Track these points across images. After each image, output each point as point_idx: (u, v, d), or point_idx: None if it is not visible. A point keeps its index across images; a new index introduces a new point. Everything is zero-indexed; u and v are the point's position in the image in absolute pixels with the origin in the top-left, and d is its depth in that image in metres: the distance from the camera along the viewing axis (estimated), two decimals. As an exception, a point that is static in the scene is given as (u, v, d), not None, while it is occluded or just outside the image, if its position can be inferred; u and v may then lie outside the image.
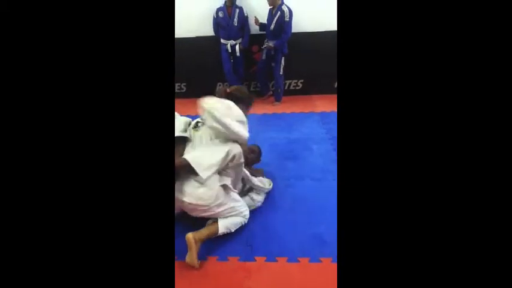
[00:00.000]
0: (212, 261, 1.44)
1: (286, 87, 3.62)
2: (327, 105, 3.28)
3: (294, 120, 3.02)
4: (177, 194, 1.43)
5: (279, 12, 3.03)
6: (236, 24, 3.21)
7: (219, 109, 1.42)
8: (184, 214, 1.69)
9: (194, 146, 1.52)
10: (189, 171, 1.41)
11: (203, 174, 1.38)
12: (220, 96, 1.59)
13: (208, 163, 1.40)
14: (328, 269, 1.36)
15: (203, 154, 1.44)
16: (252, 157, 2.01)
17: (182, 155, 1.49)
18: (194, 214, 1.51)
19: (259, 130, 2.78)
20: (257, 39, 3.35)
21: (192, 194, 1.42)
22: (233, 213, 1.54)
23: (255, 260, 1.44)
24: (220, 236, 1.52)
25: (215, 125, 1.43)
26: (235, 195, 1.57)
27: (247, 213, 1.61)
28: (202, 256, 1.46)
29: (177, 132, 1.55)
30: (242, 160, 1.54)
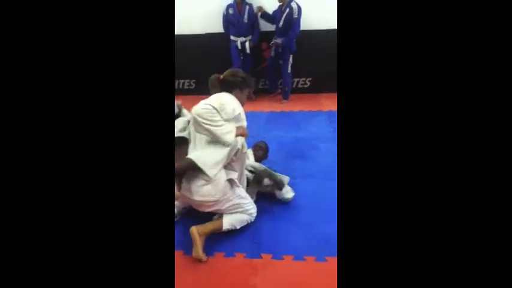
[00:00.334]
0: (219, 257, 1.47)
1: (294, 85, 3.61)
2: (335, 104, 3.27)
3: (302, 119, 3.01)
4: (184, 192, 1.45)
5: (287, 9, 3.02)
6: (246, 21, 3.20)
7: (204, 114, 1.35)
8: (191, 209, 1.73)
9: (195, 144, 1.50)
10: (196, 170, 1.41)
11: (210, 172, 1.38)
12: (213, 85, 1.56)
13: (214, 161, 1.40)
14: (333, 268, 1.38)
15: (207, 152, 1.42)
16: (260, 154, 2.03)
17: (186, 154, 1.48)
18: (201, 209, 1.54)
19: (266, 128, 2.79)
20: (266, 37, 3.34)
21: (199, 192, 1.43)
22: (239, 209, 1.56)
23: (261, 257, 1.46)
24: (227, 232, 1.55)
25: (202, 132, 1.40)
26: (242, 191, 1.59)
27: (253, 211, 1.62)
28: (210, 252, 1.49)
29: (176, 133, 1.55)
30: (245, 150, 1.53)
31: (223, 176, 1.46)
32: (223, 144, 1.41)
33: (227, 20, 3.27)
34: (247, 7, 3.17)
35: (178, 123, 1.61)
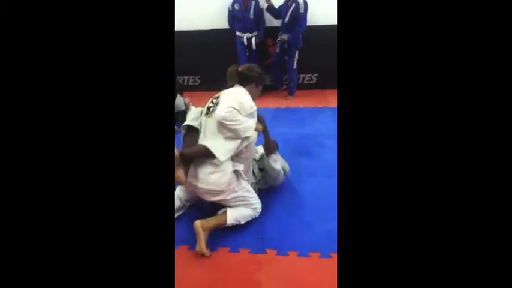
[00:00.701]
0: (223, 252, 1.48)
1: (300, 82, 3.59)
2: (341, 101, 3.23)
3: (307, 115, 3.00)
4: (190, 179, 1.47)
5: (293, 4, 2.98)
6: (252, 17, 3.18)
7: (228, 117, 1.39)
8: (195, 202, 1.73)
9: (205, 134, 1.53)
10: (205, 157, 1.45)
11: (221, 157, 1.41)
12: (231, 76, 1.60)
13: (225, 147, 1.44)
14: (338, 265, 1.37)
15: (219, 140, 1.45)
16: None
17: (197, 143, 1.52)
18: (205, 198, 1.56)
19: (271, 124, 2.76)
20: (272, 32, 3.32)
21: (205, 180, 1.46)
22: (243, 202, 1.57)
23: (266, 253, 1.46)
24: (231, 227, 1.55)
25: (227, 133, 1.44)
26: (247, 185, 1.60)
27: (258, 206, 1.63)
28: (214, 247, 1.50)
29: (189, 121, 1.59)
30: (253, 145, 1.58)
31: (230, 167, 1.48)
32: (244, 138, 1.47)
33: (233, 15, 3.25)
34: (253, 2, 3.15)
35: (191, 113, 1.65)
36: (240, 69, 1.60)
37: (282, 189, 1.90)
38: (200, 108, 1.67)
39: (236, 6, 3.19)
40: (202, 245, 1.42)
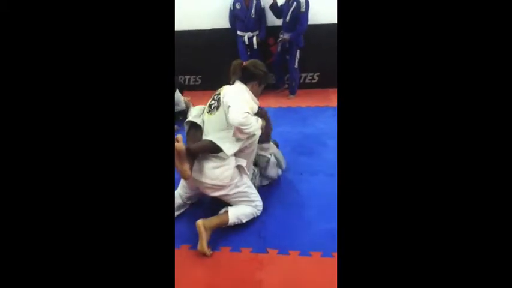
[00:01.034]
0: (225, 252, 1.48)
1: (301, 81, 3.58)
2: (343, 100, 3.22)
3: (309, 114, 2.99)
4: (194, 174, 1.48)
5: (294, 3, 2.97)
6: (253, 16, 3.18)
7: (245, 122, 1.39)
8: (197, 199, 1.73)
9: (208, 131, 1.53)
10: (210, 152, 1.46)
11: (228, 151, 1.43)
12: (234, 70, 1.60)
13: (231, 143, 1.45)
14: (340, 264, 1.37)
15: (226, 136, 1.46)
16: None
17: (200, 139, 1.53)
18: (208, 193, 1.56)
19: (273, 124, 2.77)
20: (274, 31, 3.31)
21: (209, 174, 1.47)
22: (245, 198, 1.57)
23: (267, 252, 1.46)
24: (233, 227, 1.55)
25: (243, 137, 1.46)
26: (248, 181, 1.61)
27: (259, 204, 1.63)
28: (216, 246, 1.50)
29: (191, 118, 1.59)
30: (256, 140, 1.59)
31: (233, 161, 1.49)
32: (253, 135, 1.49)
33: (234, 15, 3.25)
34: (255, 1, 3.15)
35: (194, 110, 1.65)
36: (245, 64, 1.59)
37: (284, 188, 1.90)
38: (203, 106, 1.68)
39: (237, 6, 3.18)
40: (204, 244, 1.43)
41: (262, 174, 1.87)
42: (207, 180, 1.48)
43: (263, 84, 1.65)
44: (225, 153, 1.43)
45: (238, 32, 3.29)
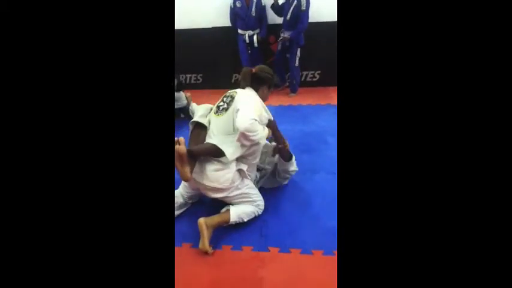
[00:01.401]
0: (226, 250, 1.48)
1: (302, 79, 3.57)
2: (344, 98, 3.21)
3: (310, 112, 2.98)
4: (194, 175, 1.48)
5: (295, 2, 2.96)
6: (254, 14, 3.17)
7: (251, 128, 1.37)
8: (198, 198, 1.73)
9: (214, 132, 1.52)
10: (212, 155, 1.45)
11: (230, 156, 1.42)
12: (245, 78, 1.60)
13: (234, 148, 1.43)
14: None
15: (230, 140, 1.45)
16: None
17: (204, 140, 1.52)
18: (208, 194, 1.56)
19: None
20: (275, 30, 3.31)
21: (209, 177, 1.46)
22: (246, 199, 1.57)
23: (269, 251, 1.46)
24: (235, 225, 1.55)
25: (247, 144, 1.44)
26: (250, 183, 1.61)
27: (261, 203, 1.63)
28: (217, 245, 1.50)
29: (197, 118, 1.58)
30: (260, 149, 1.58)
31: (234, 166, 1.49)
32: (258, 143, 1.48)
33: (234, 13, 3.24)
34: (255, 0, 3.13)
35: (200, 109, 1.64)
36: (254, 70, 1.61)
37: (285, 187, 1.89)
38: (209, 105, 1.67)
39: (238, 4, 3.17)
40: (205, 242, 1.43)
41: (272, 183, 1.87)
42: (207, 182, 1.48)
43: (272, 88, 1.68)
44: (226, 158, 1.42)
45: (239, 31, 3.28)
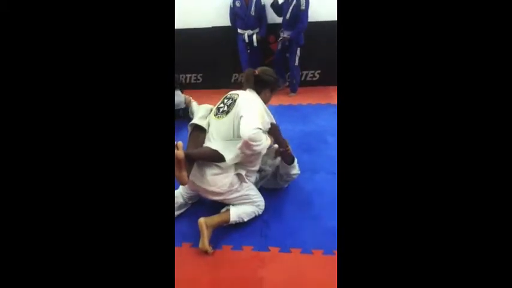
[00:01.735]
0: (227, 250, 1.48)
1: (302, 78, 3.57)
2: (344, 97, 3.20)
3: (310, 112, 2.98)
4: (192, 178, 1.47)
5: (294, 1, 2.95)
6: (253, 14, 3.16)
7: (256, 137, 1.34)
8: (198, 198, 1.73)
9: (213, 136, 1.50)
10: (211, 160, 1.44)
11: (229, 161, 1.41)
12: (248, 80, 1.58)
13: (234, 153, 1.41)
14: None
15: (230, 145, 1.43)
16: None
17: (203, 143, 1.51)
18: (207, 197, 1.56)
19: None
20: (275, 29, 3.30)
21: (208, 181, 1.46)
22: (246, 200, 1.57)
23: (269, 250, 1.46)
24: (235, 225, 1.55)
25: (249, 153, 1.41)
26: (250, 184, 1.60)
27: (261, 204, 1.63)
28: (217, 244, 1.50)
29: (196, 120, 1.57)
30: (260, 156, 1.57)
31: (232, 170, 1.48)
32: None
33: (234, 13, 3.24)
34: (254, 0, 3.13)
35: (200, 111, 1.63)
36: (257, 72, 1.59)
37: (285, 187, 1.89)
38: (210, 106, 1.65)
39: (237, 4, 3.17)
40: (205, 242, 1.43)
41: (273, 184, 1.86)
42: (206, 186, 1.47)
43: (274, 91, 1.66)
44: (225, 163, 1.41)
45: (239, 30, 3.28)
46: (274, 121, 1.58)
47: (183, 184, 1.43)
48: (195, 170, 1.46)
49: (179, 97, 2.83)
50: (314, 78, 3.65)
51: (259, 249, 1.47)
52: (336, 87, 3.46)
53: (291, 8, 2.98)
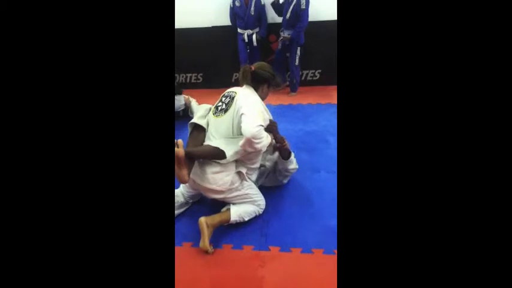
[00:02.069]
0: (227, 249, 1.48)
1: (303, 78, 3.57)
2: (345, 97, 3.20)
3: (310, 112, 2.97)
4: (193, 177, 1.47)
5: (295, 0, 2.95)
6: (253, 14, 3.16)
7: (257, 135, 1.35)
8: (200, 201, 1.73)
9: (213, 135, 1.51)
10: (211, 157, 1.44)
11: (229, 158, 1.41)
12: (244, 75, 1.57)
13: (234, 150, 1.42)
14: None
15: (231, 142, 1.44)
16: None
17: (203, 142, 1.51)
18: (208, 195, 1.57)
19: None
20: (275, 29, 3.30)
21: (208, 179, 1.46)
22: (247, 199, 1.57)
23: (269, 250, 1.46)
24: (235, 224, 1.56)
25: (251, 150, 1.42)
26: (250, 183, 1.60)
27: (262, 203, 1.63)
28: (218, 244, 1.50)
29: (196, 119, 1.57)
30: (261, 154, 1.56)
31: (233, 168, 1.48)
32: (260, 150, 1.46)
33: (234, 12, 3.24)
34: (254, -1, 3.13)
35: (200, 110, 1.63)
36: (253, 67, 1.58)
37: (286, 186, 1.89)
38: (209, 106, 1.65)
39: (237, 3, 3.17)
40: (206, 241, 1.43)
41: (272, 182, 1.86)
42: (206, 184, 1.47)
43: (272, 87, 1.65)
44: (226, 159, 1.41)
45: (238, 30, 3.28)
46: (271, 117, 1.58)
47: (183, 182, 1.43)
48: (195, 168, 1.47)
49: (178, 102, 2.81)
50: (314, 78, 3.65)
51: (259, 248, 1.47)
52: (336, 87, 3.46)
53: (291, 7, 2.98)
